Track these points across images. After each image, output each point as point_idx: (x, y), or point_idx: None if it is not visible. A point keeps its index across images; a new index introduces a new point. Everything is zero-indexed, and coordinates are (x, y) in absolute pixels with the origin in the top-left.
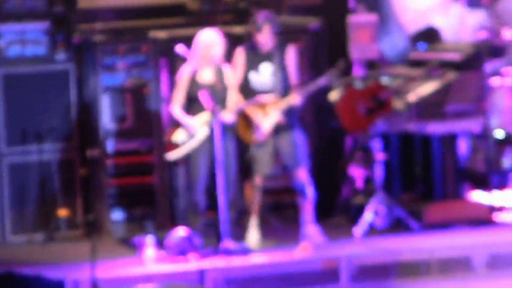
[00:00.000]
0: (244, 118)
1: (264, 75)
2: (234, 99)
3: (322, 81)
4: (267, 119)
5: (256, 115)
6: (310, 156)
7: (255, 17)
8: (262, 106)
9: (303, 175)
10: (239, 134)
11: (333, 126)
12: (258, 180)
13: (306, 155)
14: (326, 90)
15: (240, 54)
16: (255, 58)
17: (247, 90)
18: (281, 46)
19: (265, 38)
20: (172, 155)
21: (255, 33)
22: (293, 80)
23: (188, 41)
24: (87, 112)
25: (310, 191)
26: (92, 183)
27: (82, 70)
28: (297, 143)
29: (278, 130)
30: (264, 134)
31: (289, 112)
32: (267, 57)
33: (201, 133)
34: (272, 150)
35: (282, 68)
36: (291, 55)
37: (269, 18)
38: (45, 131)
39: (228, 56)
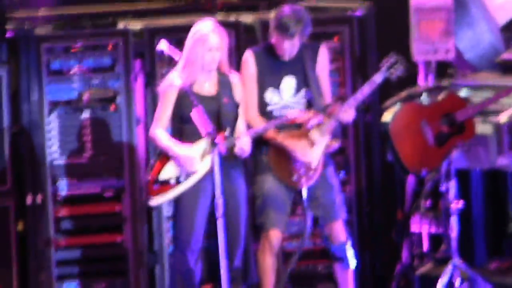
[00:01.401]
0: (277, 151)
1: (286, 92)
2: (244, 119)
3: (376, 79)
4: (314, 149)
5: (293, 144)
6: (353, 205)
7: (280, 13)
8: (301, 131)
9: (340, 231)
10: (275, 173)
11: (388, 160)
12: (274, 237)
13: (343, 202)
14: (376, 107)
15: (250, 63)
16: (273, 70)
17: (264, 116)
18: (309, 48)
19: (292, 45)
20: (157, 200)
21: (277, 36)
22: (327, 94)
23: (175, 35)
24: (26, 139)
25: (351, 256)
26: (33, 243)
27: (19, 78)
28: (332, 184)
29: None
30: (313, 174)
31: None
32: (291, 67)
33: (200, 168)
34: (294, 193)
35: (314, 79)
36: (325, 58)
37: (301, 19)
38: None
39: (237, 56)
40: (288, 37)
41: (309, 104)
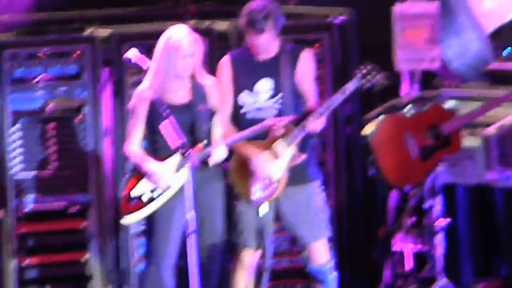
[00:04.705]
0: (239, 163)
1: (261, 95)
2: (221, 128)
3: (349, 87)
4: (278, 162)
5: (257, 156)
6: (332, 222)
7: (247, 9)
8: (267, 141)
9: (322, 252)
10: (235, 187)
11: (370, 175)
12: (246, 256)
13: (328, 220)
14: (358, 119)
15: (225, 66)
16: (248, 72)
17: (237, 120)
18: (290, 51)
19: (265, 41)
20: (130, 219)
21: (248, 34)
22: (311, 102)
23: (145, 41)
24: None
25: (332, 276)
26: None
27: None
28: (314, 201)
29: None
30: (275, 188)
31: (302, 151)
32: (267, 68)
33: (174, 183)
34: (271, 210)
35: (290, 85)
36: (307, 63)
37: (268, 10)
38: None
39: (210, 65)
40: (258, 32)
41: (285, 111)
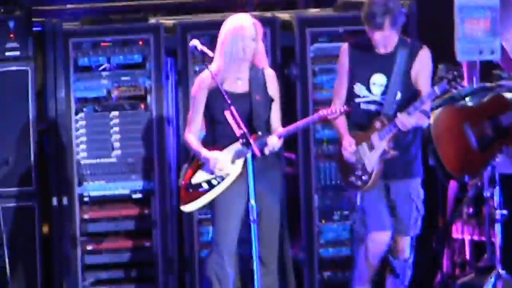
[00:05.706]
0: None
1: (375, 89)
2: (279, 116)
3: (438, 89)
4: (372, 154)
5: (347, 141)
6: None
7: (369, 2)
8: (366, 133)
9: (406, 247)
10: (340, 171)
11: (429, 165)
12: (384, 239)
13: (421, 219)
14: None
15: (343, 55)
16: (365, 64)
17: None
18: (408, 48)
19: (381, 37)
20: (190, 206)
21: (368, 28)
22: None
23: (209, 31)
24: (53, 138)
25: (409, 273)
26: (59, 246)
27: (46, 74)
28: (415, 197)
29: (390, 170)
30: (366, 179)
31: (406, 147)
32: (383, 63)
33: (232, 171)
34: (386, 197)
35: (402, 81)
36: (425, 61)
37: (388, 7)
38: None
39: (273, 54)
40: (374, 28)
41: (390, 107)
